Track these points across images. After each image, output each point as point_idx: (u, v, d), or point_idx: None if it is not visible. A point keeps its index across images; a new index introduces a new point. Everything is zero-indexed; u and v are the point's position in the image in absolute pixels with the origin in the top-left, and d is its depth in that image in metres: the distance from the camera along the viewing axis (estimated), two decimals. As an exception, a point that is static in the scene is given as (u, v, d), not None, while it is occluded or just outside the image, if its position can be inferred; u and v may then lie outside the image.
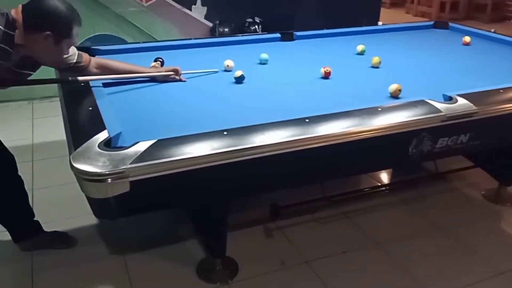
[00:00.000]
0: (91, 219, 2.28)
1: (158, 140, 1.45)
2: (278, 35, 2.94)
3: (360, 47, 2.61)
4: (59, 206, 2.44)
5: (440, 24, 3.33)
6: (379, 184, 2.77)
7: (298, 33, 2.97)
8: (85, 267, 2.04)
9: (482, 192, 2.63)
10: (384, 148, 1.76)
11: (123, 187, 1.37)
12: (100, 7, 4.01)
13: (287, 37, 2.94)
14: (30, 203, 2.13)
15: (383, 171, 2.85)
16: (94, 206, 1.52)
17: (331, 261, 2.08)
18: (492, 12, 7.43)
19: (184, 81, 2.18)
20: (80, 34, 4.35)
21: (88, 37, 4.01)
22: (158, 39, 3.97)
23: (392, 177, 2.89)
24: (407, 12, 8.12)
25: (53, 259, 2.07)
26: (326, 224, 2.35)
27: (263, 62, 2.44)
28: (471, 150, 2.02)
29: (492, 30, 3.09)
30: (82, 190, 1.42)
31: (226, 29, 4.32)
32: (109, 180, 1.35)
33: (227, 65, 2.32)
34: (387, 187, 2.76)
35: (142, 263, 2.06)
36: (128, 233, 2.29)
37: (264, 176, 1.63)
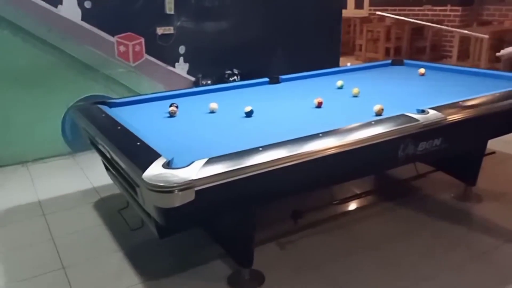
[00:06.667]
0: (112, 258, 2.56)
1: (210, 158, 1.78)
2: (267, 79, 3.40)
3: (339, 82, 3.10)
4: (82, 249, 2.63)
5: (396, 62, 3.96)
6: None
7: (283, 77, 3.46)
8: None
9: (452, 195, 3.12)
10: (380, 153, 2.19)
11: (189, 196, 1.66)
12: (90, 70, 4.31)
13: (274, 80, 3.41)
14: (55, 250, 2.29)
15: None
16: (163, 217, 1.78)
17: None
18: (430, 52, 8.43)
19: None
20: (72, 96, 4.62)
21: (79, 98, 4.29)
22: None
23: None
24: (357, 59, 9.03)
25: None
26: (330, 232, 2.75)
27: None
28: (444, 153, 2.48)
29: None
30: (154, 203, 1.72)
31: (209, 81, 4.75)
32: (176, 191, 1.63)
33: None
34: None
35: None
36: (154, 263, 2.51)
37: (291, 182, 1.99)
